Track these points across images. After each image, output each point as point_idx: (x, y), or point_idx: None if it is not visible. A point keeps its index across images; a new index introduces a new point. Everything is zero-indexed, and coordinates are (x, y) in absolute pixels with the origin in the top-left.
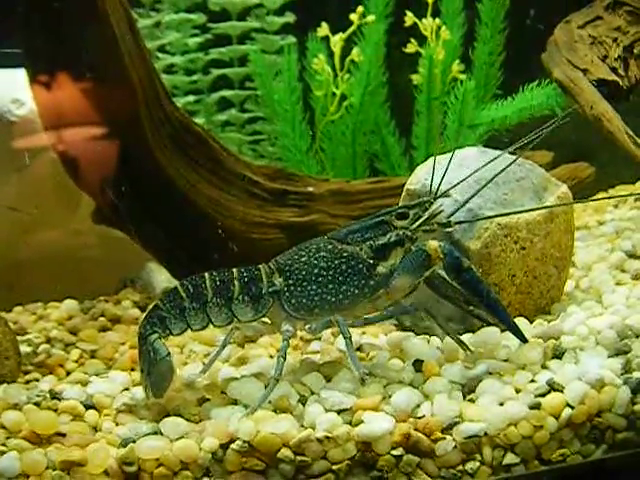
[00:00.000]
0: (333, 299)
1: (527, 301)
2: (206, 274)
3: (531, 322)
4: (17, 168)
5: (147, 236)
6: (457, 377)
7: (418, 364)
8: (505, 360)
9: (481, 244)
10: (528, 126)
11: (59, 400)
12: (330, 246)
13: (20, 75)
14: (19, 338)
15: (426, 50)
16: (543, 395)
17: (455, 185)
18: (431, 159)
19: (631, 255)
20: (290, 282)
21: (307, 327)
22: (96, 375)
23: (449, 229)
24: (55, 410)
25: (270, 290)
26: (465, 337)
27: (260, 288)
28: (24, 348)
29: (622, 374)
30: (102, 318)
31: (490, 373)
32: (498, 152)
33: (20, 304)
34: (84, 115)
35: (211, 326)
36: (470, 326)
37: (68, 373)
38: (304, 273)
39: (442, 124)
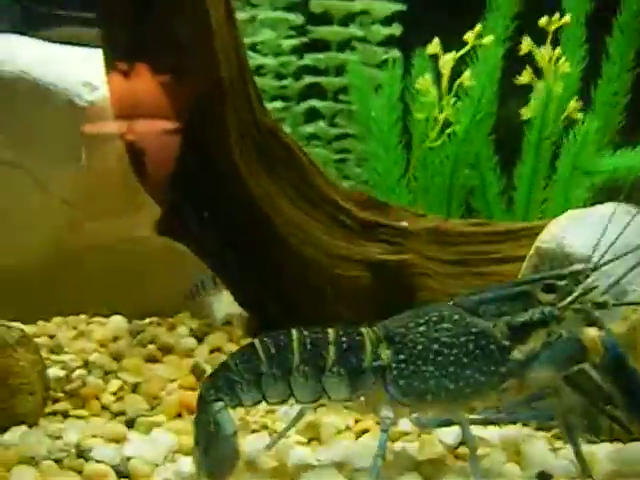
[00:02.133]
0: (452, 385)
1: None
2: (294, 331)
3: None
4: (77, 158)
5: (214, 255)
6: None
7: (544, 477)
8: None
9: (628, 327)
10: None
11: (86, 460)
12: (457, 317)
13: (95, 56)
14: (53, 357)
15: (542, 82)
16: None
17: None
18: (567, 213)
19: None
20: (401, 357)
21: (414, 417)
22: (136, 416)
23: (605, 310)
24: (80, 472)
25: (374, 364)
26: (602, 447)
27: (361, 360)
28: (56, 371)
29: None
30: (151, 345)
31: None
32: None
33: (61, 314)
34: (162, 109)
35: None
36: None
37: (104, 407)
38: (420, 348)
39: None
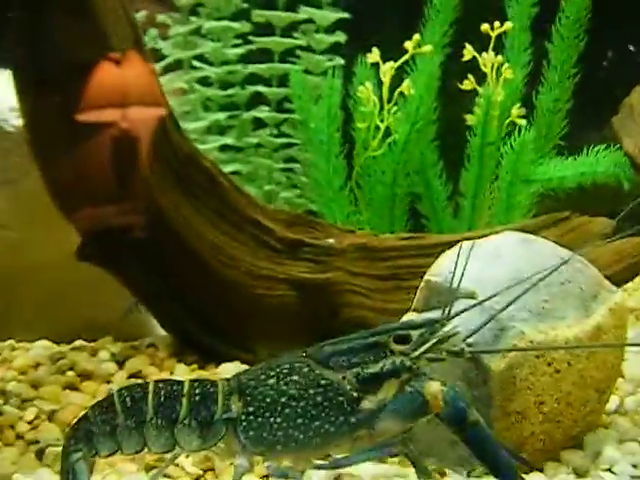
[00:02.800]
0: (301, 436)
1: (555, 431)
2: (151, 384)
3: (541, 469)
4: (7, 181)
5: (135, 280)
6: None
7: None
8: None
9: (506, 365)
10: (590, 193)
11: None
12: (306, 369)
13: None
14: None
15: (484, 89)
16: None
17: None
18: (461, 245)
19: None
20: (250, 409)
21: (266, 465)
22: (46, 446)
23: (462, 357)
24: None
25: (224, 416)
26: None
27: (213, 412)
28: None
29: None
30: (70, 372)
31: None
32: (542, 241)
33: None
34: (77, 135)
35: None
36: None
37: (18, 436)
38: (268, 400)
39: (494, 174)
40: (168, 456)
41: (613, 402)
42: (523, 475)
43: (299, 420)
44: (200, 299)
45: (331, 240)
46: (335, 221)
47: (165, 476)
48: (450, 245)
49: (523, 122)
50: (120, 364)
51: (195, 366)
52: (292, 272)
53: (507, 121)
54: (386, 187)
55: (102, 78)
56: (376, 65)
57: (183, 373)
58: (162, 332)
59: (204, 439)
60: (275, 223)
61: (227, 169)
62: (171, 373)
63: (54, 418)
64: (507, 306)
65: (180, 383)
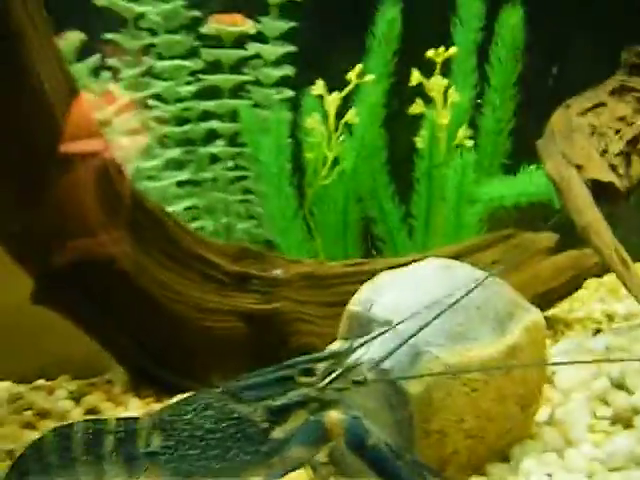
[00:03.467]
0: (217, 465)
1: (479, 447)
2: (81, 423)
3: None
4: None
5: (88, 322)
6: None
7: None
8: None
9: (423, 388)
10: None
11: None
12: (219, 404)
13: None
14: None
15: (429, 112)
16: None
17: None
18: (382, 274)
19: (618, 385)
20: (170, 443)
21: None
22: None
23: (365, 386)
24: None
25: (147, 451)
26: None
27: (137, 447)
28: None
29: None
30: (28, 412)
31: None
32: (462, 267)
33: None
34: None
35: None
36: None
37: None
38: (186, 434)
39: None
40: None
41: (544, 413)
42: None
43: (215, 452)
44: (151, 335)
45: (278, 271)
46: (290, 249)
47: None
48: (396, 268)
49: (470, 143)
50: (77, 401)
51: (150, 399)
52: (240, 304)
53: (454, 143)
54: (338, 214)
55: None
56: (322, 96)
57: (138, 407)
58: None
59: (129, 473)
60: (221, 257)
61: (185, 204)
62: (126, 408)
63: (14, 457)
64: (417, 332)
65: (105, 421)
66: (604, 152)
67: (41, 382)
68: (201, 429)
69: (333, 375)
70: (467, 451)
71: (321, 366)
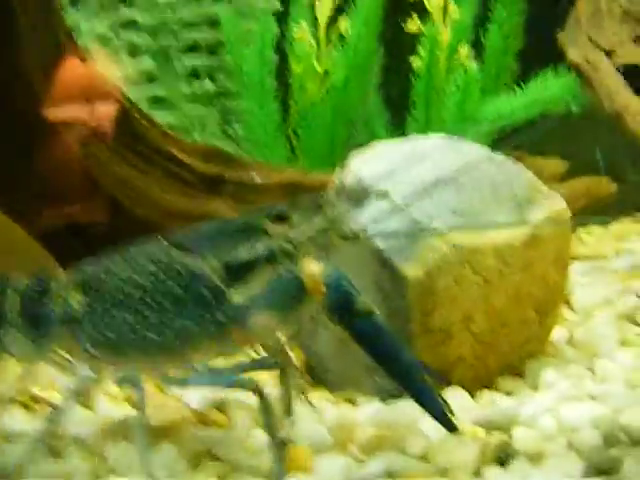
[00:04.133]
0: (155, 336)
1: (489, 356)
2: None
3: (473, 396)
4: None
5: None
6: (336, 476)
7: (283, 446)
8: (419, 456)
9: (423, 271)
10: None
11: None
12: (162, 255)
13: None
14: None
15: (429, 29)
16: None
17: None
18: (373, 144)
19: None
20: (94, 305)
21: (115, 374)
22: None
23: (355, 241)
24: None
25: (62, 314)
26: (369, 411)
27: (49, 309)
28: None
29: None
30: None
31: (391, 474)
32: (471, 143)
33: None
34: None
35: None
36: None
37: None
38: (115, 292)
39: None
40: None
41: (561, 334)
42: (436, 388)
43: (153, 317)
44: (111, 239)
45: (255, 177)
46: None
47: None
48: None
49: (472, 64)
50: None
51: None
52: (209, 209)
53: (455, 63)
54: (325, 135)
55: None
56: (312, 4)
57: None
58: None
59: (38, 343)
60: (192, 157)
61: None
62: None
63: None
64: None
65: (10, 276)
66: (638, 38)
67: None
68: (135, 286)
69: (313, 224)
70: (475, 360)
71: (299, 214)
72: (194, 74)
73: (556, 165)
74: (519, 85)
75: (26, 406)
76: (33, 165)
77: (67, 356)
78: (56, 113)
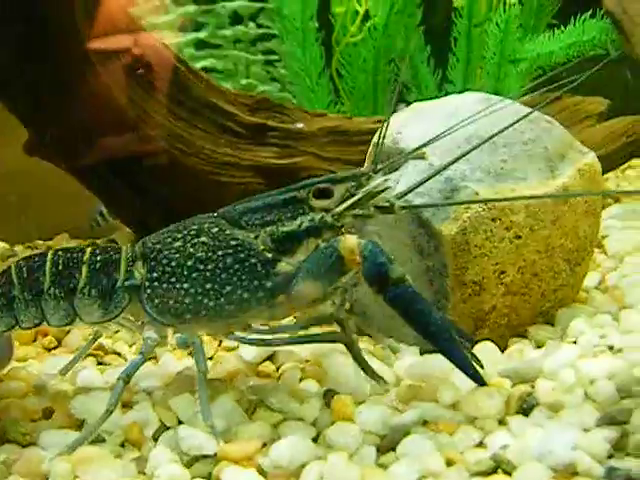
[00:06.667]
0: (211, 303)
1: (521, 305)
2: (49, 253)
3: (506, 344)
4: None
5: (90, 174)
6: (376, 424)
7: (329, 396)
8: (450, 406)
9: (457, 229)
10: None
11: None
12: (215, 229)
13: None
14: None
15: None
16: (485, 475)
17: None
18: (412, 106)
19: None
20: (155, 275)
21: (177, 337)
22: None
23: (393, 214)
24: None
25: (127, 284)
26: (406, 363)
27: (114, 279)
28: None
29: (609, 457)
30: None
31: (425, 422)
32: (505, 101)
33: None
34: None
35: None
36: None
37: None
38: (174, 264)
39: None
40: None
41: (593, 278)
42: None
43: (208, 285)
44: (158, 190)
45: (300, 124)
46: None
47: (101, 363)
48: None
49: (513, 1)
50: None
51: None
52: (257, 158)
53: (496, 1)
54: (368, 75)
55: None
56: None
57: None
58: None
59: (106, 309)
60: (237, 107)
61: (201, 65)
62: None
63: None
64: (452, 163)
65: (82, 250)
66: None
67: (37, 242)
68: (192, 258)
69: (354, 198)
70: (507, 309)
71: (340, 188)
72: (237, 18)
73: (596, 104)
74: (558, 26)
75: (99, 362)
76: (75, 100)
77: (132, 320)
78: (99, 43)
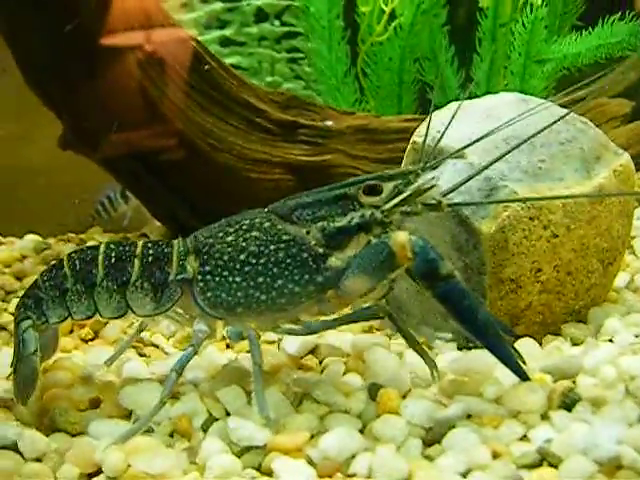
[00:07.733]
0: (263, 297)
1: (555, 303)
2: (102, 245)
3: (540, 341)
4: None
5: (122, 168)
6: (421, 417)
7: (375, 389)
8: (493, 400)
9: (496, 227)
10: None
11: None
12: (267, 224)
13: None
14: None
15: None
16: (530, 468)
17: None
18: (450, 105)
19: None
20: (207, 269)
21: (228, 330)
22: None
23: (439, 211)
24: None
25: (179, 277)
26: (448, 358)
27: (167, 273)
28: None
29: None
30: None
31: (469, 416)
32: (542, 102)
33: None
34: None
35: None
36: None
37: (2, 328)
38: (226, 258)
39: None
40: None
41: (623, 279)
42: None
43: (260, 279)
44: (189, 184)
45: (329, 122)
46: None
47: (142, 355)
48: None
49: (538, 1)
50: None
51: None
52: (288, 155)
53: (521, 1)
54: (393, 74)
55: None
56: None
57: None
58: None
59: (158, 302)
60: (268, 104)
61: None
62: None
63: None
64: (492, 163)
65: (133, 244)
66: None
67: (69, 235)
68: (244, 252)
69: (403, 195)
70: (542, 307)
71: (389, 185)
72: (263, 16)
73: (621, 106)
74: (584, 28)
75: (139, 354)
76: (96, 91)
77: (182, 313)
78: (112, 39)
